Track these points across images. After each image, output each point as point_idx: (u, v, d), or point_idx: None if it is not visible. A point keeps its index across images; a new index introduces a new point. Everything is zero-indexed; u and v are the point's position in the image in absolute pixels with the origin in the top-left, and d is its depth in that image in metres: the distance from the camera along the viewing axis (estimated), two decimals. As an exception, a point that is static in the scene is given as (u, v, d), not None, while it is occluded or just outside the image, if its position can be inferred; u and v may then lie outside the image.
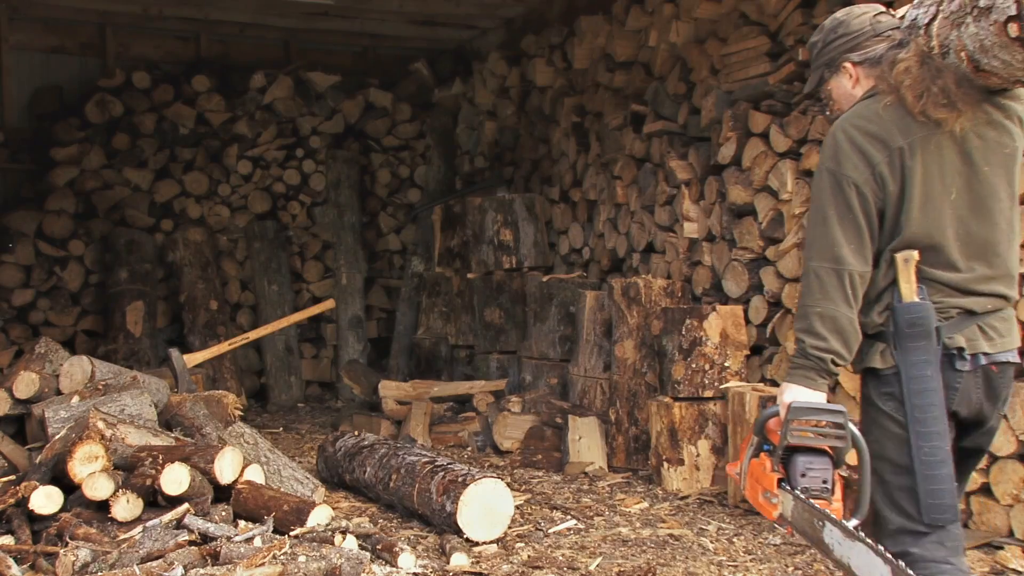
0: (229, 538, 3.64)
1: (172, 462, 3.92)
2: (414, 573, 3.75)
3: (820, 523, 2.46)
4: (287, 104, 9.16)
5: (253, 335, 7.02)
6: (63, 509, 3.95)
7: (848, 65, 2.67)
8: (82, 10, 8.59)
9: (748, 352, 5.51)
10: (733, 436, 4.97)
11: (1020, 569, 3.93)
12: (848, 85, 2.69)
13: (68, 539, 3.67)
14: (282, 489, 4.44)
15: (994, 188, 2.54)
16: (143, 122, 8.66)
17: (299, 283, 9.21)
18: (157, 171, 8.73)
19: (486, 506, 4.22)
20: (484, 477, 4.28)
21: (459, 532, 4.21)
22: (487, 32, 9.40)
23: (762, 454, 2.62)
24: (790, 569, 3.99)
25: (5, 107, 8.55)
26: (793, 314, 5.50)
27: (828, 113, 2.81)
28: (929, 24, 2.42)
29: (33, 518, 3.96)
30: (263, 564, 3.30)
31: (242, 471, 4.13)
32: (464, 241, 7.96)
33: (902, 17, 2.62)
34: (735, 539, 4.38)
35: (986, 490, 4.43)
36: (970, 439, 2.66)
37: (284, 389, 8.68)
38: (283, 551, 3.41)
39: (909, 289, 2.51)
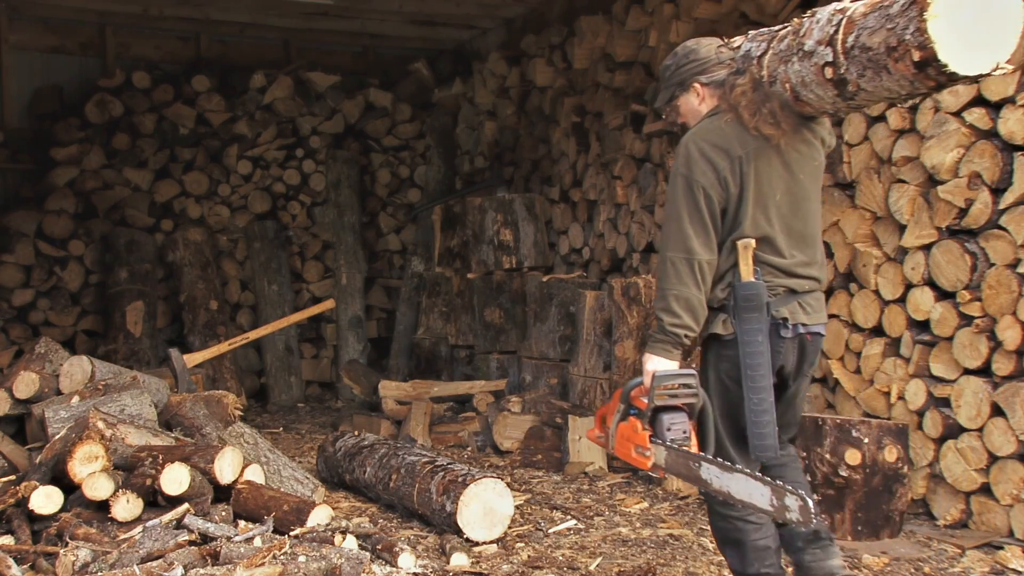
0: (229, 538, 3.65)
1: (172, 462, 3.92)
2: (414, 573, 3.75)
3: (696, 464, 2.92)
4: (287, 104, 9.16)
5: (253, 335, 7.02)
6: (63, 509, 3.95)
7: (697, 86, 3.20)
8: (82, 10, 8.59)
9: (748, 352, 5.50)
10: (733, 436, 4.97)
11: (1020, 569, 3.93)
12: (695, 102, 3.22)
13: (68, 539, 3.67)
14: (282, 489, 4.44)
15: (807, 192, 3.15)
16: (143, 122, 8.66)
17: (299, 283, 9.21)
18: (157, 171, 8.74)
19: (486, 506, 4.22)
20: (484, 477, 4.28)
21: (459, 532, 4.21)
22: (487, 32, 9.40)
23: (630, 417, 3.08)
24: (790, 569, 3.99)
25: (5, 107, 8.55)
26: (793, 314, 5.51)
27: (676, 126, 3.37)
28: (761, 56, 3.00)
29: (33, 518, 3.96)
30: (263, 564, 3.30)
31: (242, 471, 4.13)
32: (464, 241, 7.96)
33: (737, 47, 3.16)
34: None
35: (986, 490, 4.43)
36: (788, 390, 3.25)
37: (284, 389, 8.68)
38: (283, 551, 3.41)
39: (747, 270, 3.07)
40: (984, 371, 4.44)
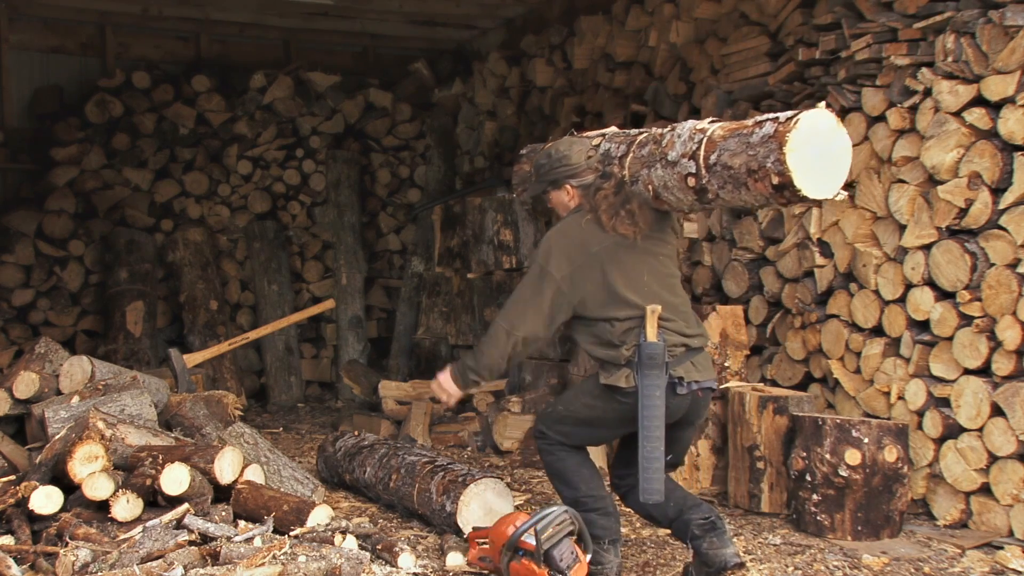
0: (229, 538, 3.65)
1: (172, 462, 3.92)
2: (414, 573, 3.75)
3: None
4: (287, 104, 9.16)
5: (253, 335, 7.01)
6: (63, 509, 3.95)
7: (568, 187, 3.77)
8: (82, 10, 8.59)
9: (748, 352, 5.51)
10: (733, 436, 4.97)
11: (1020, 569, 3.93)
12: (565, 199, 3.80)
13: (68, 539, 3.67)
14: (282, 489, 4.44)
15: (670, 271, 3.74)
16: (143, 122, 8.66)
17: (299, 283, 9.21)
18: (157, 171, 8.73)
19: (486, 506, 4.22)
20: (484, 477, 4.28)
21: (459, 532, 4.21)
22: (487, 32, 9.40)
23: (522, 560, 3.50)
24: (790, 569, 3.99)
25: (5, 107, 8.54)
26: (793, 314, 5.51)
27: (548, 210, 3.95)
28: (623, 157, 3.65)
29: (33, 518, 3.96)
30: (263, 564, 3.30)
31: (242, 471, 4.13)
32: (464, 241, 7.96)
33: (597, 146, 3.77)
34: (735, 539, 4.38)
35: (986, 490, 4.43)
36: (677, 437, 3.72)
37: (284, 389, 8.68)
38: (283, 551, 3.41)
39: (653, 332, 3.53)
40: (984, 371, 4.44)
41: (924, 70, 4.71)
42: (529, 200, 3.96)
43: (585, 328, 3.69)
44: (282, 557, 3.37)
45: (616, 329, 3.59)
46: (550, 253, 3.64)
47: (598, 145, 3.80)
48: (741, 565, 3.60)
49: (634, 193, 3.61)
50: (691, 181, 3.32)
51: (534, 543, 3.43)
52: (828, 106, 5.24)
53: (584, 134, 4.02)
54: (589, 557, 3.56)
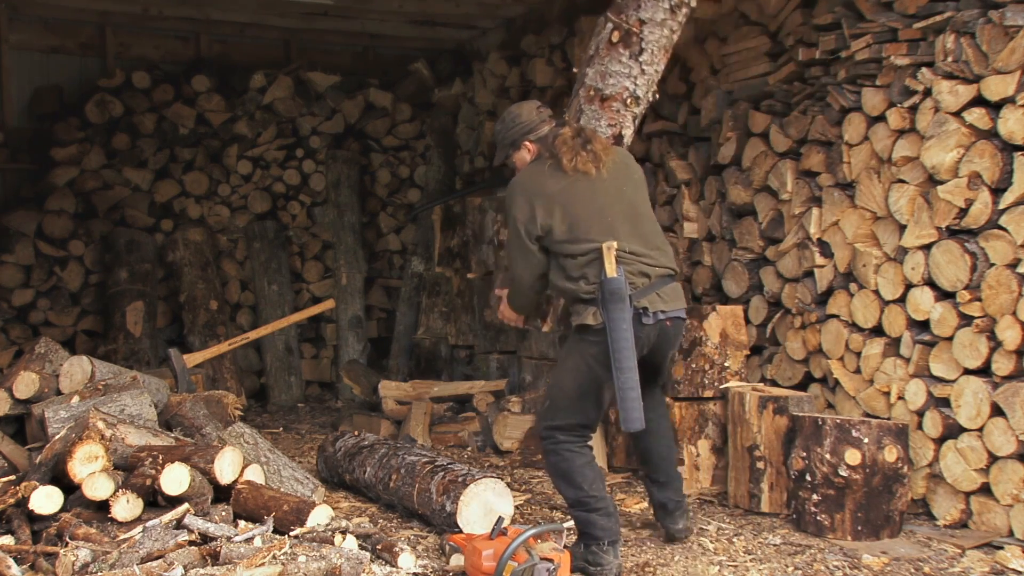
0: (229, 538, 3.65)
1: (172, 462, 3.92)
2: (414, 573, 3.75)
3: None
4: (287, 104, 9.15)
5: (253, 335, 7.01)
6: (63, 509, 3.95)
7: (527, 144, 4.00)
8: (82, 10, 8.58)
9: (748, 352, 5.51)
10: (733, 436, 4.97)
11: (1020, 569, 3.93)
12: (527, 157, 4.02)
13: (68, 539, 3.67)
14: (282, 489, 4.44)
15: (635, 201, 3.96)
16: (143, 122, 8.66)
17: (299, 283, 9.20)
18: (157, 171, 8.72)
19: (486, 506, 4.22)
20: (484, 477, 4.28)
21: (459, 532, 4.21)
22: (487, 32, 9.39)
23: None
24: (790, 569, 3.99)
25: (5, 107, 8.54)
26: (793, 314, 5.51)
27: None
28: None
29: (33, 518, 3.96)
30: (263, 564, 3.30)
31: (242, 471, 4.13)
32: (464, 241, 7.96)
33: (541, 110, 4.07)
34: (735, 539, 4.38)
35: (986, 490, 4.43)
36: (650, 369, 3.98)
37: (284, 389, 8.68)
38: (283, 551, 3.42)
39: (611, 268, 3.71)
40: (984, 371, 4.44)
41: (924, 70, 4.71)
42: (502, 163, 4.20)
43: (554, 265, 3.90)
44: (282, 557, 3.37)
45: (578, 262, 3.79)
46: (513, 202, 3.90)
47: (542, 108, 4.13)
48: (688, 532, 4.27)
49: (596, 133, 3.96)
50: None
51: None
52: (828, 106, 5.26)
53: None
54: (563, 544, 3.66)
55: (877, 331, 5.00)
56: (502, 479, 4.53)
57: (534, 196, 3.85)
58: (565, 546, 3.72)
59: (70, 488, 3.99)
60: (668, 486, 4.24)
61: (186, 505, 3.86)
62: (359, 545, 3.78)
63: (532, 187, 3.88)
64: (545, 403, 4.00)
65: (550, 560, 3.46)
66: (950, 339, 4.56)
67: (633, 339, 3.70)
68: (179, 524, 3.80)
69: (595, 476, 3.87)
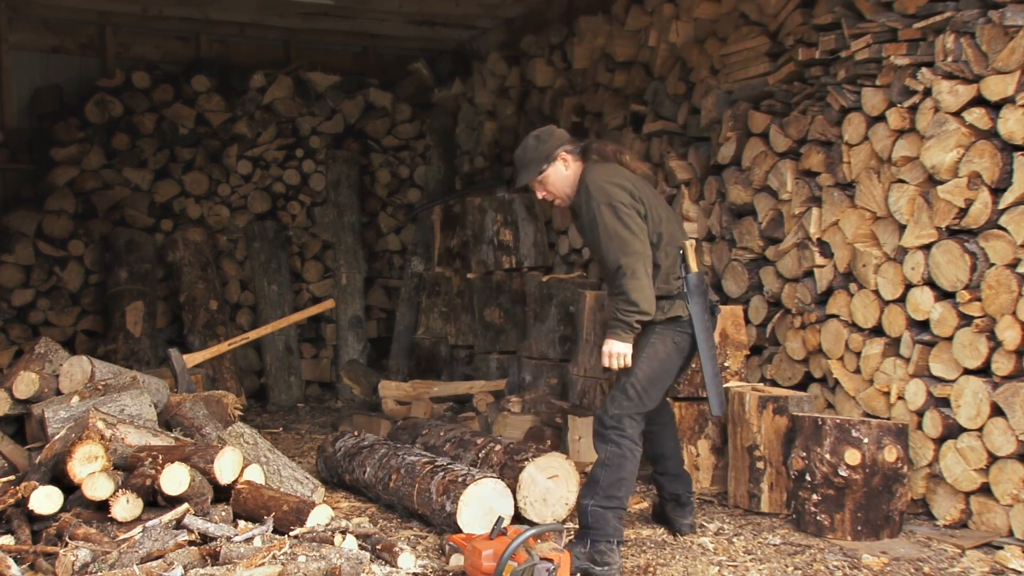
0: (229, 538, 3.65)
1: (172, 462, 3.92)
2: (414, 573, 3.75)
3: None
4: (287, 104, 9.16)
5: (253, 335, 7.01)
6: (63, 509, 3.95)
7: (564, 154, 4.08)
8: (82, 10, 8.59)
9: (748, 352, 5.51)
10: (733, 436, 4.97)
11: (1020, 569, 3.93)
12: (563, 169, 4.10)
13: (68, 539, 3.66)
14: (282, 489, 4.44)
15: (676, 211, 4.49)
16: (143, 122, 8.66)
17: (299, 283, 9.20)
18: (157, 171, 8.73)
19: (486, 506, 4.22)
20: (484, 477, 4.28)
21: (459, 532, 4.21)
22: (487, 32, 9.40)
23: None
24: (790, 569, 3.99)
25: (5, 107, 8.54)
26: (793, 314, 5.51)
27: (539, 193, 4.21)
28: None
29: (33, 518, 3.96)
30: (263, 564, 3.30)
31: (242, 471, 4.13)
32: (464, 241, 7.96)
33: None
34: (735, 539, 4.38)
35: (986, 490, 4.43)
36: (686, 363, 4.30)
37: (284, 389, 8.68)
38: (283, 551, 3.42)
39: (694, 262, 4.07)
40: (984, 371, 4.43)
41: (924, 70, 4.71)
42: (528, 185, 4.22)
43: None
44: (282, 557, 3.37)
45: (667, 255, 4.02)
46: (604, 190, 3.95)
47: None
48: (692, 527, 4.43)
49: (625, 148, 4.29)
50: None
51: None
52: (828, 106, 5.26)
53: None
54: (564, 544, 3.76)
55: (877, 331, 5.00)
56: (502, 479, 4.52)
57: (626, 182, 3.99)
58: (565, 546, 3.72)
59: (70, 488, 3.99)
60: (679, 479, 4.43)
61: (186, 505, 3.86)
62: (359, 545, 3.78)
63: (619, 177, 4.01)
64: (615, 391, 4.06)
65: (550, 560, 3.46)
66: (950, 339, 4.56)
67: (712, 329, 4.13)
68: (179, 524, 3.80)
69: (633, 483, 4.02)
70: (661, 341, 4.03)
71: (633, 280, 3.87)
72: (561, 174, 4.10)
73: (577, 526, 4.11)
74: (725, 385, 5.16)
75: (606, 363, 3.98)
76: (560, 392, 6.46)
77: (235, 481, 4.09)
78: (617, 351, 3.94)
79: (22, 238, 8.07)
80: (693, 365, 5.05)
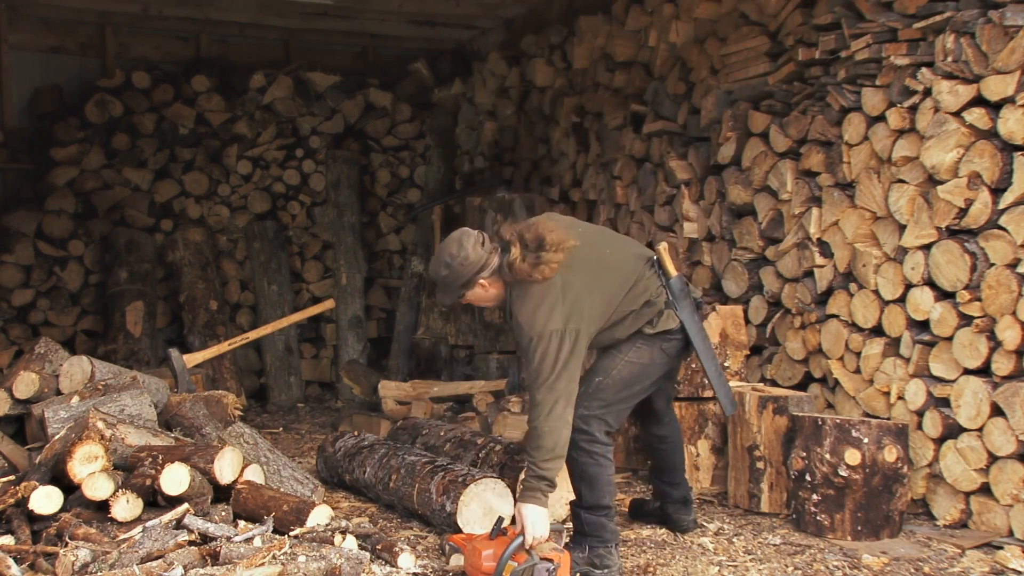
0: (229, 538, 3.64)
1: (172, 462, 3.92)
2: (414, 573, 3.75)
3: None
4: (287, 104, 9.15)
5: (253, 335, 7.00)
6: (63, 509, 3.95)
7: (481, 282, 3.78)
8: (82, 10, 8.59)
9: (748, 352, 5.51)
10: (733, 436, 4.97)
11: (1020, 569, 3.93)
12: (482, 293, 3.82)
13: (68, 539, 3.66)
14: (282, 489, 4.44)
15: (616, 234, 4.46)
16: (143, 122, 8.66)
17: (299, 283, 9.20)
18: (157, 171, 8.73)
19: (486, 506, 4.22)
20: (484, 477, 4.28)
21: (459, 532, 4.21)
22: (487, 32, 9.40)
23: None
24: (790, 569, 3.99)
25: (5, 107, 8.54)
26: (793, 314, 5.50)
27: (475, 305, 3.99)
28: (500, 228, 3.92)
29: (33, 518, 3.95)
30: (263, 564, 3.30)
31: (242, 471, 4.13)
32: (464, 241, 7.95)
33: (484, 243, 3.79)
34: (735, 539, 4.38)
35: (986, 490, 4.43)
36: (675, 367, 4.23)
37: (284, 389, 8.68)
38: (283, 551, 3.41)
39: (672, 268, 3.89)
40: (984, 371, 4.44)
41: (924, 70, 4.71)
42: (453, 303, 3.98)
43: (614, 320, 3.84)
44: (282, 557, 3.37)
45: (640, 288, 3.84)
46: (535, 320, 3.64)
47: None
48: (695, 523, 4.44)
49: (530, 226, 3.74)
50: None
51: None
52: (828, 106, 5.26)
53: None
54: (563, 538, 3.75)
55: (877, 331, 5.00)
56: (502, 479, 4.52)
57: (558, 303, 3.67)
58: (564, 546, 3.72)
59: (70, 488, 3.99)
60: (681, 484, 4.44)
61: (186, 505, 3.86)
62: (359, 545, 3.78)
63: (548, 300, 3.67)
64: (584, 388, 3.85)
65: (550, 560, 3.46)
66: (950, 339, 4.56)
67: (704, 328, 4.01)
68: (179, 524, 3.80)
69: (613, 487, 3.95)
70: (648, 347, 3.89)
71: (550, 420, 3.57)
72: (483, 296, 3.84)
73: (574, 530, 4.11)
74: (725, 385, 5.16)
75: (526, 533, 3.52)
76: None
77: (235, 481, 4.09)
78: (537, 527, 3.51)
79: (22, 238, 8.07)
80: (693, 366, 5.06)
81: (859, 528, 4.38)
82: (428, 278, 4.25)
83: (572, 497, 4.10)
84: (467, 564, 3.68)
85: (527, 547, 3.50)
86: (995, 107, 4.42)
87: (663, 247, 3.90)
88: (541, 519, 3.54)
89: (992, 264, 4.38)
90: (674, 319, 3.87)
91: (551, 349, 3.61)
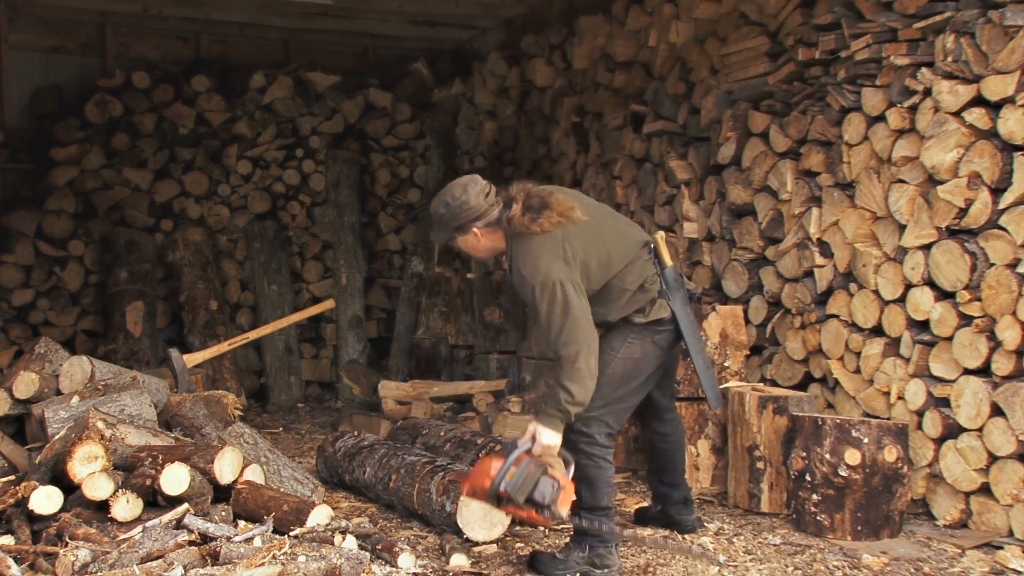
0: (229, 538, 3.64)
1: (172, 462, 3.92)
2: (414, 573, 3.75)
3: None
4: (287, 104, 9.16)
5: (253, 335, 7.01)
6: (63, 509, 3.95)
7: (475, 230, 3.78)
8: (82, 10, 8.59)
9: (748, 352, 5.51)
10: (733, 436, 4.97)
11: (1020, 569, 3.93)
12: (474, 241, 3.83)
13: (68, 539, 3.66)
14: (282, 489, 4.44)
15: (617, 213, 4.25)
16: (143, 122, 8.66)
17: (299, 283, 9.21)
18: (157, 171, 8.73)
19: (486, 506, 4.22)
20: (484, 477, 4.28)
21: (459, 532, 4.21)
22: (487, 32, 9.40)
23: (510, 505, 3.69)
24: (790, 569, 3.99)
25: (5, 107, 8.54)
26: (793, 314, 5.50)
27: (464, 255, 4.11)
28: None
29: (33, 518, 3.96)
30: (263, 564, 3.30)
31: (242, 471, 4.13)
32: (464, 241, 7.95)
33: (488, 193, 3.82)
34: (735, 539, 4.38)
35: (986, 490, 4.43)
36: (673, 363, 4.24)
37: (284, 389, 8.68)
38: (283, 551, 3.41)
39: (667, 257, 3.88)
40: (984, 371, 4.43)
41: (924, 70, 4.71)
42: (444, 243, 4.01)
43: (606, 298, 3.81)
44: (282, 557, 3.37)
45: (635, 272, 3.81)
46: (537, 270, 3.65)
47: (489, 193, 3.84)
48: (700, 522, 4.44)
49: (539, 191, 3.79)
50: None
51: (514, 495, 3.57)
52: (828, 106, 5.26)
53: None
54: (571, 469, 3.72)
55: (877, 331, 5.00)
56: (502, 479, 4.52)
57: (557, 251, 3.68)
58: (565, 545, 3.72)
59: (70, 488, 3.99)
60: (681, 485, 4.44)
61: (186, 505, 3.86)
62: (359, 545, 3.78)
63: (549, 251, 3.68)
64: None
65: (555, 479, 3.55)
66: (950, 339, 4.56)
67: (695, 320, 3.98)
68: (179, 524, 3.80)
69: (612, 489, 3.97)
70: (640, 341, 3.85)
71: (574, 371, 3.59)
72: (474, 244, 3.86)
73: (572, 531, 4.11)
74: (725, 385, 5.16)
75: (535, 449, 3.62)
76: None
77: (235, 481, 4.09)
78: (547, 443, 3.61)
79: (22, 238, 8.08)
80: (693, 366, 5.06)
81: (859, 528, 4.37)
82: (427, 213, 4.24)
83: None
84: (475, 471, 3.78)
85: (535, 455, 3.58)
86: (995, 107, 4.42)
87: (660, 236, 3.93)
88: (552, 437, 3.62)
89: (992, 264, 4.38)
90: (666, 308, 3.85)
91: (557, 298, 3.61)
